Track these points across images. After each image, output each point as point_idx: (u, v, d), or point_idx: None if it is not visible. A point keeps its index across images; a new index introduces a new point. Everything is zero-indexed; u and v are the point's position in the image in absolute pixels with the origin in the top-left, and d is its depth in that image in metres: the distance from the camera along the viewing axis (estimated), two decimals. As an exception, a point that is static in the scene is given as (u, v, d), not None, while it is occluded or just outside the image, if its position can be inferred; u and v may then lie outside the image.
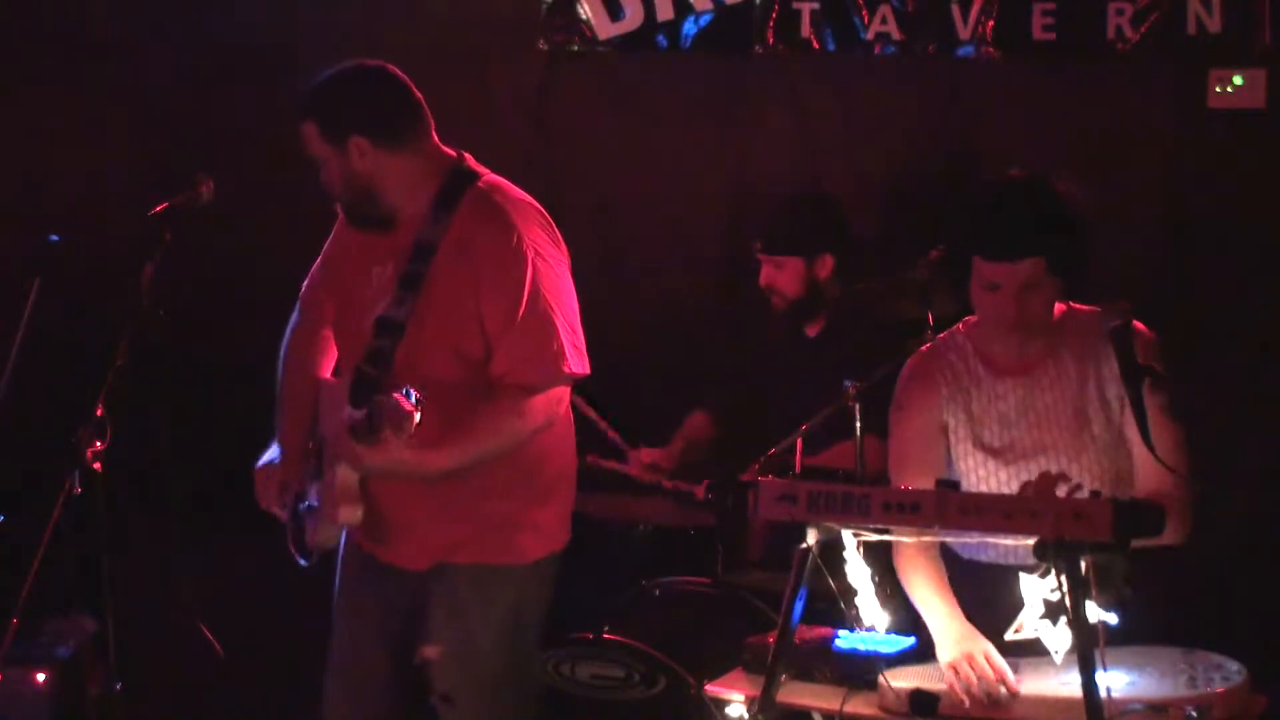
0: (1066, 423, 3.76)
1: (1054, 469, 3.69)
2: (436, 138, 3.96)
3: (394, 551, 4.02)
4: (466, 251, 3.83)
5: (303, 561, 4.03)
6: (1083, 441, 3.75)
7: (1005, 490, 3.76)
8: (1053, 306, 3.77)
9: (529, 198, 3.95)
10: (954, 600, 3.77)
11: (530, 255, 3.81)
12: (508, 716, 4.08)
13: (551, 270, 3.85)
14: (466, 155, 3.98)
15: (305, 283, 4.23)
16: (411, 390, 3.50)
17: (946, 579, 3.81)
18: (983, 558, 3.87)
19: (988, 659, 3.55)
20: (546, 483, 4.03)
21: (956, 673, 3.54)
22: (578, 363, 3.87)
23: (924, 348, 4.00)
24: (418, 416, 3.47)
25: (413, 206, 3.89)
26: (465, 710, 3.96)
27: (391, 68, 3.91)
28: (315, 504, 3.96)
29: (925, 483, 3.60)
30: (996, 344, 3.86)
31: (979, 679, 3.51)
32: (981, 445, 3.83)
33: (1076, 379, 3.78)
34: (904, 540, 3.66)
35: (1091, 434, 3.74)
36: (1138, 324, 3.75)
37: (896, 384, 3.98)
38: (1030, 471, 3.73)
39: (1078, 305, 3.85)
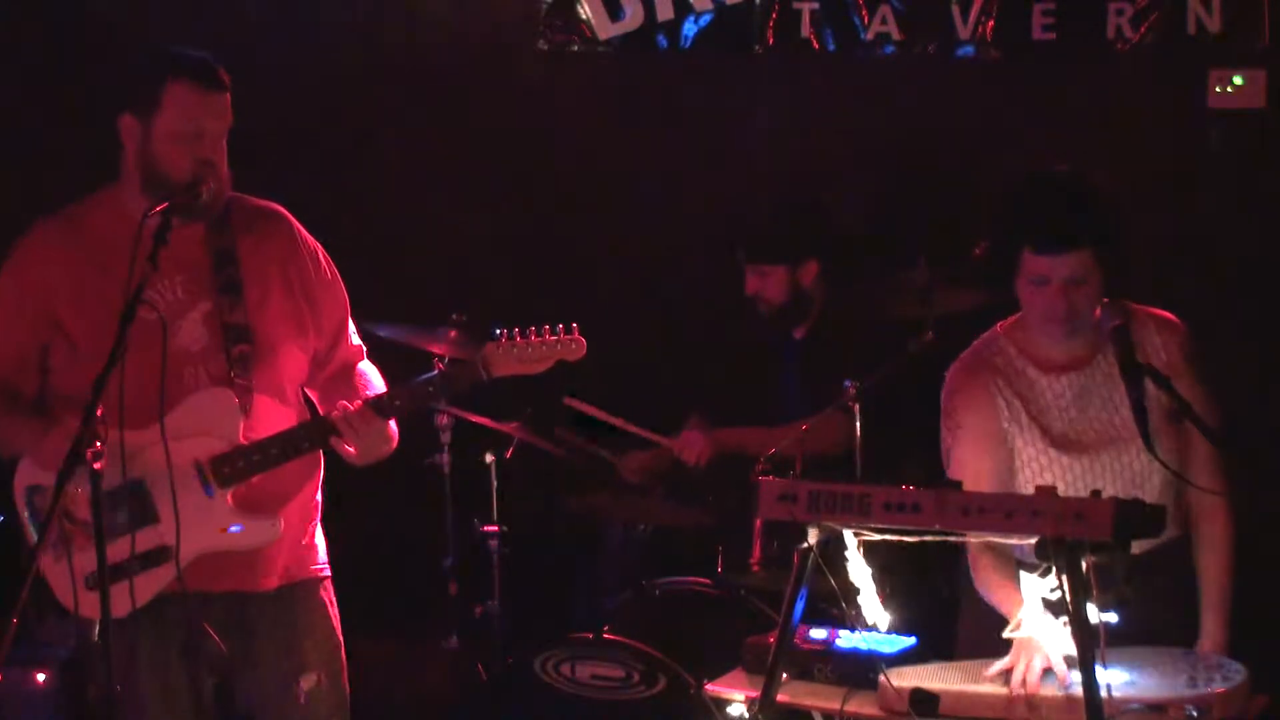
0: (1126, 415, 3.75)
1: (1124, 459, 3.73)
2: None
3: (244, 575, 3.75)
4: (275, 252, 3.82)
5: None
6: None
7: (1080, 483, 3.75)
8: (1098, 301, 3.76)
9: None
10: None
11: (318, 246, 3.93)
12: None
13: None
14: None
15: None
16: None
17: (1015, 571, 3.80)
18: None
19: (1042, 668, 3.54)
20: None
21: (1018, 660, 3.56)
22: None
23: (963, 355, 3.95)
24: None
25: None
26: None
27: None
28: (140, 555, 3.59)
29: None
30: (1041, 343, 3.84)
31: (1024, 682, 3.51)
32: (1048, 441, 3.81)
33: None
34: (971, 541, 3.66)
35: (1151, 425, 3.72)
36: (1170, 316, 3.80)
37: (942, 401, 3.93)
38: (1101, 463, 3.74)
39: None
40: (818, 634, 3.81)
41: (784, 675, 3.58)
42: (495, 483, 5.40)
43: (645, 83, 5.99)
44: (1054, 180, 3.77)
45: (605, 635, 4.69)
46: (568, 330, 3.76)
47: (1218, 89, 5.41)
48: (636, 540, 5.31)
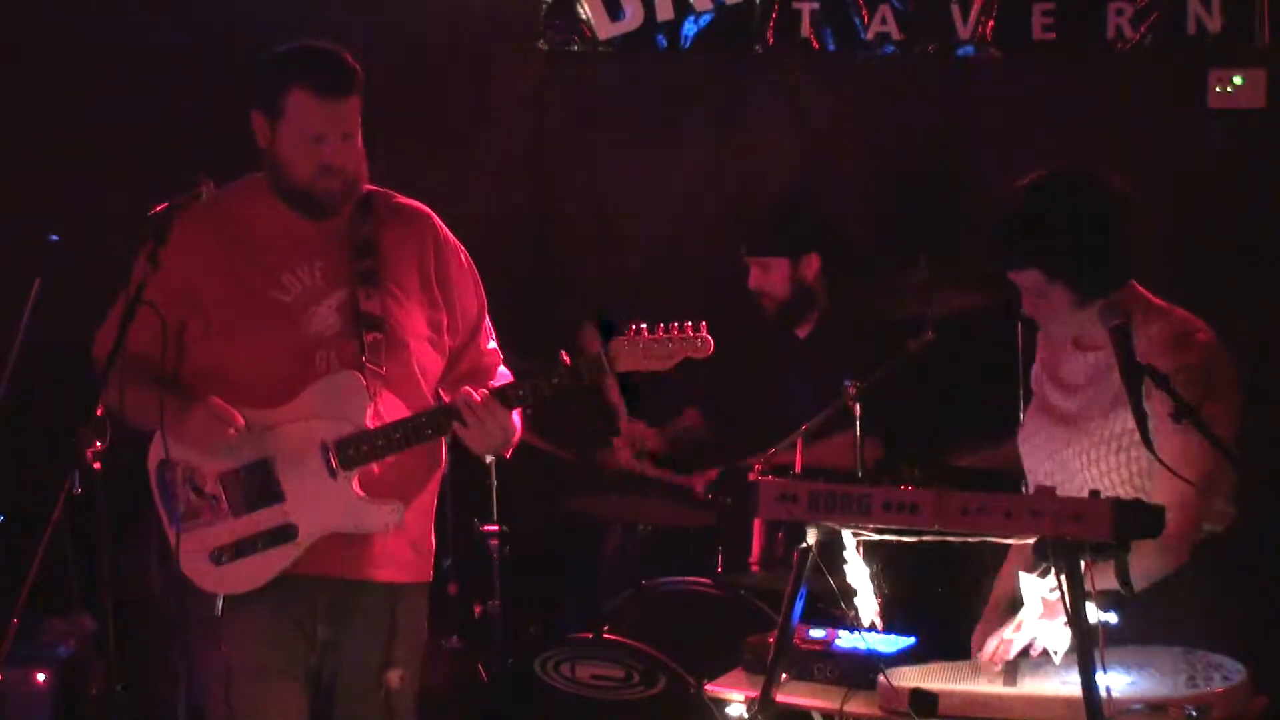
0: (1108, 401, 3.75)
1: (1083, 437, 3.74)
2: None
3: (359, 564, 3.77)
4: (416, 250, 3.86)
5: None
6: (1114, 417, 3.74)
7: (1052, 450, 3.79)
8: (1074, 305, 3.75)
9: None
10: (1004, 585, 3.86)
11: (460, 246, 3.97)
12: None
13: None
14: None
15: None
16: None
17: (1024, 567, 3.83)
18: None
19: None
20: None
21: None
22: None
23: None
24: None
25: None
26: None
27: None
28: (265, 532, 3.68)
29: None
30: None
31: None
32: (1043, 407, 3.89)
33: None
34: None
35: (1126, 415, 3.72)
36: (1202, 334, 3.80)
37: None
38: (1068, 438, 3.77)
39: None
40: (818, 634, 3.81)
41: (784, 675, 3.58)
42: (495, 483, 5.40)
43: (645, 83, 6.00)
44: (1013, 196, 3.79)
45: (605, 635, 4.69)
46: (695, 328, 3.68)
47: (1218, 89, 5.42)
48: (636, 540, 5.31)
